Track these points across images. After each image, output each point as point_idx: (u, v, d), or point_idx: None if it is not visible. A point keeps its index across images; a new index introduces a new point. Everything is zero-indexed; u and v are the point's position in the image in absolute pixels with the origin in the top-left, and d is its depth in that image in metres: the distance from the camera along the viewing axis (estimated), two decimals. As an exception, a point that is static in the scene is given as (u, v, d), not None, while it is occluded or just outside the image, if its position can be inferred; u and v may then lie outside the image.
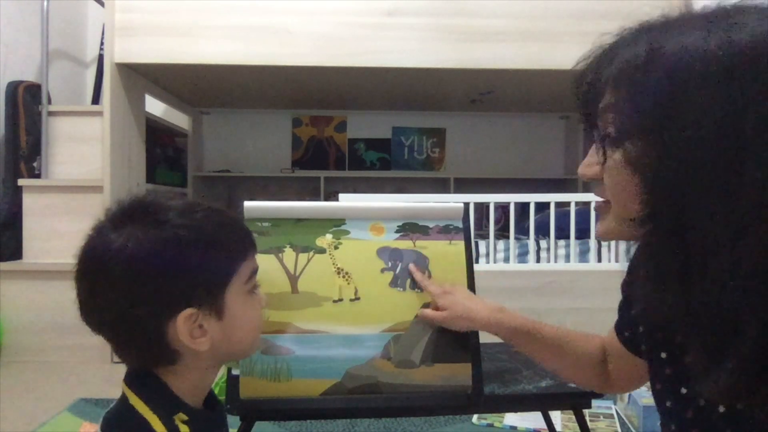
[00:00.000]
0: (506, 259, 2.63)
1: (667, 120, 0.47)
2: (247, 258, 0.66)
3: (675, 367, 0.62)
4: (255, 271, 0.68)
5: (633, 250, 0.63)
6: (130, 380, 0.64)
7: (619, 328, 0.79)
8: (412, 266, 1.02)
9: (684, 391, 0.61)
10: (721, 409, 0.56)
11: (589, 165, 0.58)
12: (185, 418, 0.62)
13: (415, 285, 1.03)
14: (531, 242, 2.63)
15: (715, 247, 0.45)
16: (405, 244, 1.05)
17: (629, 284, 0.75)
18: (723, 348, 0.47)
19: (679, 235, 0.47)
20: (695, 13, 0.52)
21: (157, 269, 0.59)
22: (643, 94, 0.48)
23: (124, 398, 0.63)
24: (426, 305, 1.01)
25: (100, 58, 3.15)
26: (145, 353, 0.63)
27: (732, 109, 0.45)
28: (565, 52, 2.57)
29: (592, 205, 2.54)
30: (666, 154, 0.47)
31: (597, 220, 0.61)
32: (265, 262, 1.00)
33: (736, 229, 0.45)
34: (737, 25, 0.47)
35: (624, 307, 0.78)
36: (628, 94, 0.50)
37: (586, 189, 3.89)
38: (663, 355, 0.64)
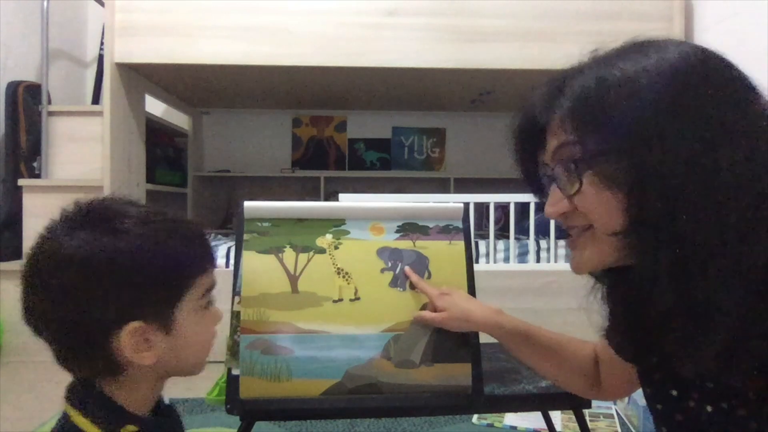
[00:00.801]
0: (506, 259, 2.63)
1: (629, 133, 0.52)
2: (203, 273, 0.64)
3: (665, 371, 0.63)
4: (211, 286, 0.66)
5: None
6: (71, 396, 0.62)
7: (608, 334, 0.78)
8: (408, 269, 1.02)
9: (674, 393, 0.62)
10: (709, 409, 0.57)
11: (554, 203, 0.61)
12: (134, 429, 0.60)
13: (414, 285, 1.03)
14: (531, 242, 2.63)
15: (698, 241, 0.50)
16: (405, 244, 1.05)
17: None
18: (704, 332, 0.51)
19: (665, 235, 0.51)
20: (616, 48, 0.60)
21: (106, 280, 0.57)
22: (601, 116, 0.54)
23: (65, 416, 0.61)
24: (426, 306, 1.01)
25: (100, 58, 3.15)
26: (87, 363, 0.61)
27: (688, 115, 0.51)
28: (565, 52, 2.54)
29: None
30: (639, 164, 0.51)
31: (573, 252, 0.63)
32: (265, 262, 1.00)
33: (717, 222, 0.49)
34: (661, 47, 0.55)
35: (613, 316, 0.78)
36: (590, 122, 0.55)
37: (586, 189, 3.90)
38: (654, 359, 0.65)
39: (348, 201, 1.97)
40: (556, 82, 0.62)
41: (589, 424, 1.13)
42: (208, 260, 0.66)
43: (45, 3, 2.84)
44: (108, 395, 0.62)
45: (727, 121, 0.51)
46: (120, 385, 0.62)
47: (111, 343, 0.58)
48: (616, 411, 1.87)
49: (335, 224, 1.05)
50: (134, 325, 0.58)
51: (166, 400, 0.72)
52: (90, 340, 0.59)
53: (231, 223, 3.94)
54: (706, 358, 0.52)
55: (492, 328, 0.93)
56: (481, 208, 3.33)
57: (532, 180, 0.67)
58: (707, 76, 0.53)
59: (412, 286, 1.02)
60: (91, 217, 0.60)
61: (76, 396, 0.62)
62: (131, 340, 0.59)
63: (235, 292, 0.98)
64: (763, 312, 0.49)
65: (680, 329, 0.53)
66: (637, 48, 0.57)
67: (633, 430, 1.73)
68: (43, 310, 0.60)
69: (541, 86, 0.63)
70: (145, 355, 0.60)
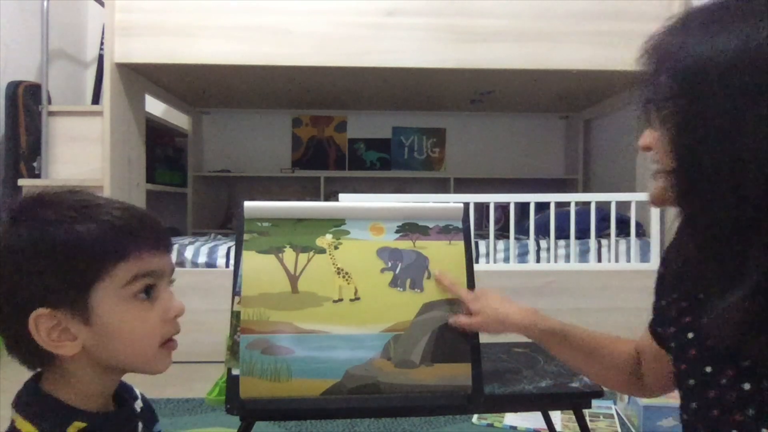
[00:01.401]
0: (506, 259, 2.63)
1: (690, 85, 0.58)
2: (121, 260, 0.60)
3: (700, 348, 0.65)
4: (145, 273, 0.61)
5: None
6: (16, 403, 0.61)
7: (654, 325, 0.81)
8: (438, 272, 1.02)
9: (708, 369, 0.64)
10: (747, 386, 0.59)
11: (643, 136, 0.68)
12: (82, 425, 0.59)
13: (415, 285, 1.03)
14: (531, 242, 2.63)
15: (720, 189, 0.55)
16: (405, 244, 1.05)
17: (664, 262, 0.78)
18: (731, 285, 0.55)
19: (696, 178, 0.57)
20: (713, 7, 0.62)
21: (10, 266, 0.57)
22: (672, 64, 0.60)
23: (11, 424, 0.60)
24: (426, 306, 1.01)
25: (100, 58, 3.15)
26: (21, 351, 0.61)
27: (738, 69, 0.55)
28: (565, 52, 2.57)
29: (592, 205, 2.55)
30: (687, 110, 0.58)
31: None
32: (265, 262, 1.00)
33: (740, 171, 0.54)
34: (755, 22, 0.57)
35: (657, 306, 0.80)
36: (661, 66, 0.62)
37: (586, 189, 3.90)
38: (690, 335, 0.67)
39: (348, 201, 1.97)
40: (660, 34, 0.66)
41: (589, 424, 1.13)
42: (135, 246, 0.61)
43: (45, 3, 2.84)
44: (52, 395, 0.61)
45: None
46: (64, 382, 0.61)
47: (27, 331, 0.58)
48: (616, 411, 1.87)
49: (335, 224, 1.05)
50: (39, 311, 0.57)
51: (138, 396, 0.71)
52: (11, 328, 0.59)
53: (231, 223, 3.94)
54: (729, 321, 0.55)
55: (528, 328, 0.94)
56: (481, 208, 3.33)
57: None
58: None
59: (413, 286, 1.02)
60: (21, 209, 0.60)
61: (20, 402, 0.61)
62: (42, 328, 0.57)
63: (235, 292, 0.98)
64: None
65: (709, 284, 0.58)
66: (728, 18, 0.60)
67: (633, 430, 1.73)
68: None
69: (653, 36, 0.67)
70: (65, 345, 0.58)
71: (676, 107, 0.60)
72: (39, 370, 0.64)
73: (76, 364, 0.61)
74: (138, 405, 0.71)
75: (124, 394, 0.69)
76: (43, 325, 0.57)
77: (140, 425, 0.68)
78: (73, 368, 0.61)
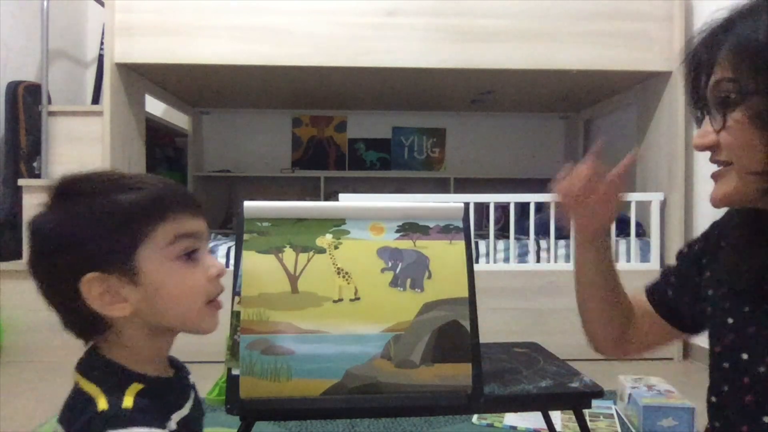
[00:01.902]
0: (506, 259, 2.63)
1: None
2: (164, 221, 0.64)
3: (739, 334, 0.66)
4: (184, 234, 0.65)
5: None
6: (79, 367, 0.65)
7: (660, 289, 0.83)
8: (628, 159, 0.90)
9: (745, 356, 0.64)
10: None
11: (703, 135, 0.63)
12: (140, 387, 0.62)
13: (415, 285, 1.02)
14: (531, 242, 2.63)
15: None
16: (405, 244, 1.05)
17: (706, 239, 0.78)
18: None
19: None
20: None
21: (57, 239, 0.61)
22: (764, 60, 0.56)
23: (75, 386, 0.64)
24: (427, 306, 1.01)
25: (100, 58, 3.15)
26: (75, 321, 0.64)
27: None
28: (565, 52, 2.57)
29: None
30: None
31: (715, 185, 0.65)
32: (265, 262, 1.00)
33: None
34: None
35: (668, 273, 0.82)
36: (750, 62, 0.57)
37: (586, 189, 3.90)
38: (729, 320, 0.67)
39: (348, 201, 1.97)
40: (721, 23, 0.63)
41: (589, 424, 1.13)
42: (171, 208, 0.65)
43: (45, 3, 2.84)
44: (110, 359, 0.64)
45: None
46: (119, 347, 0.65)
47: (82, 299, 0.61)
48: (616, 411, 1.87)
49: (335, 224, 1.05)
50: (90, 275, 0.60)
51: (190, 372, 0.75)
52: (65, 296, 0.62)
53: (231, 223, 3.94)
54: None
55: (606, 232, 0.85)
56: (481, 208, 3.33)
57: (695, 109, 0.69)
58: None
59: (413, 286, 1.02)
60: (61, 187, 0.64)
61: (83, 366, 0.65)
62: (94, 291, 0.61)
63: (235, 292, 0.98)
64: None
65: None
66: None
67: (633, 430, 1.73)
68: (32, 276, 0.64)
69: (709, 26, 0.64)
70: (117, 307, 0.62)
71: None
72: (94, 342, 0.67)
73: (129, 328, 0.64)
74: (191, 379, 0.75)
75: (179, 365, 0.73)
76: (95, 288, 0.61)
77: (193, 394, 0.72)
78: (126, 333, 0.64)
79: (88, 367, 0.64)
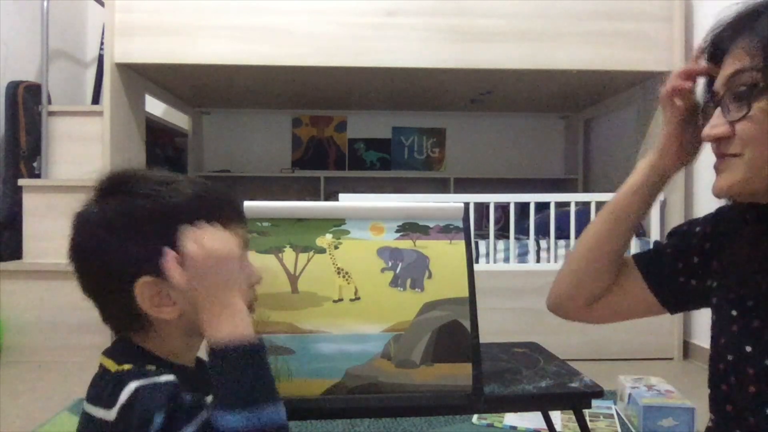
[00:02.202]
0: (506, 259, 2.63)
1: None
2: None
3: (743, 326, 0.67)
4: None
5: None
6: (107, 352, 0.66)
7: (642, 257, 0.83)
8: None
9: (749, 349, 0.65)
10: None
11: (714, 126, 0.63)
12: (168, 377, 0.63)
13: (415, 285, 1.02)
14: (531, 242, 2.63)
15: None
16: (405, 244, 1.05)
17: (715, 224, 0.77)
18: None
19: None
20: None
21: (114, 238, 0.62)
22: None
23: (100, 367, 0.65)
24: (427, 306, 1.01)
25: (100, 58, 3.15)
26: (118, 316, 0.66)
27: None
28: (565, 52, 2.57)
29: (593, 205, 2.55)
30: None
31: (718, 176, 0.65)
32: (265, 262, 1.00)
33: None
34: None
35: (663, 246, 0.81)
36: None
37: (586, 189, 3.90)
38: (734, 312, 0.68)
39: (348, 201, 1.97)
40: (749, 12, 0.62)
41: (589, 424, 1.13)
42: (226, 216, 0.67)
43: (45, 3, 2.84)
44: (142, 346, 0.66)
45: None
46: (153, 341, 0.66)
47: (131, 298, 0.62)
48: (616, 411, 1.87)
49: (335, 224, 1.05)
50: (144, 279, 0.62)
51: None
52: (114, 294, 0.63)
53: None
54: None
55: (664, 183, 0.81)
56: (481, 208, 3.33)
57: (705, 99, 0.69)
58: None
59: (413, 286, 1.02)
60: (110, 183, 0.65)
61: (111, 350, 0.66)
62: (146, 294, 0.62)
63: (235, 292, 0.98)
64: None
65: None
66: None
67: (633, 430, 1.73)
68: (80, 272, 0.65)
69: (732, 13, 0.64)
70: (166, 310, 0.63)
71: None
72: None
73: (170, 329, 0.66)
74: None
75: (203, 360, 0.73)
76: (147, 292, 0.62)
77: None
78: (167, 332, 0.66)
79: (117, 353, 0.65)
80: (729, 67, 0.62)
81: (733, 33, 0.63)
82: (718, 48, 0.65)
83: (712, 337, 0.71)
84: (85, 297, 0.66)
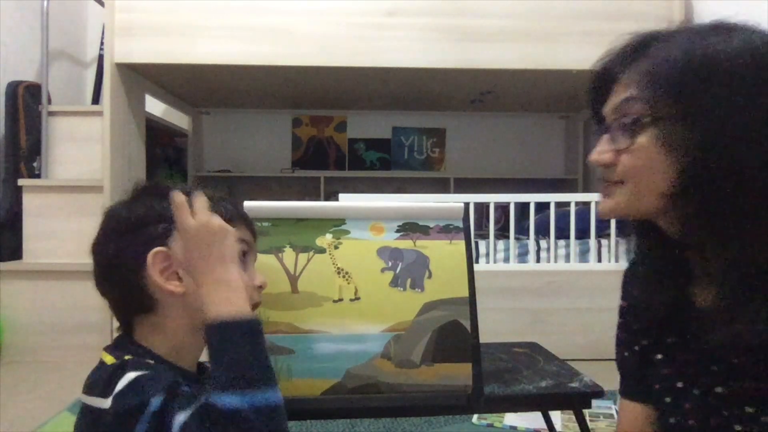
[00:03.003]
0: (506, 259, 2.63)
1: (703, 106, 0.56)
2: (231, 222, 0.69)
3: (670, 366, 0.68)
4: (242, 239, 0.73)
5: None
6: (108, 348, 0.68)
7: (629, 388, 0.78)
8: None
9: (680, 384, 0.66)
10: (719, 389, 0.62)
11: (601, 152, 0.64)
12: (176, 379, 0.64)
13: (415, 285, 1.03)
14: (531, 242, 2.63)
15: (752, 205, 0.54)
16: (405, 244, 1.05)
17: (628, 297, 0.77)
18: (750, 297, 0.55)
19: (716, 204, 0.56)
20: (705, 24, 0.62)
21: (137, 213, 0.69)
22: (682, 87, 0.57)
23: (100, 362, 0.66)
24: (427, 305, 1.01)
25: (100, 58, 3.15)
26: (126, 296, 0.68)
27: (757, 98, 0.54)
28: (565, 52, 2.57)
29: (593, 205, 2.55)
30: (705, 133, 0.55)
31: (603, 198, 0.66)
32: (265, 262, 1.00)
33: None
34: (748, 32, 0.59)
35: (631, 365, 0.77)
36: (667, 86, 0.58)
37: (586, 189, 3.89)
38: (659, 356, 0.69)
39: (348, 201, 1.97)
40: (641, 41, 0.63)
41: (589, 424, 1.13)
42: (234, 218, 0.73)
43: (45, 3, 2.84)
44: (147, 347, 0.67)
45: None
46: (156, 333, 0.68)
47: (144, 272, 0.66)
48: (616, 411, 1.87)
49: (335, 224, 1.05)
50: (158, 249, 0.66)
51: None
52: (126, 270, 0.67)
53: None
54: (743, 329, 0.56)
55: None
56: (481, 208, 3.33)
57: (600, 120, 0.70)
58: None
59: (413, 286, 1.02)
60: (141, 189, 0.73)
61: (112, 346, 0.68)
62: (157, 264, 0.66)
63: (235, 292, 0.98)
64: None
65: (724, 297, 0.57)
66: (726, 29, 0.60)
67: (633, 430, 1.73)
68: (94, 257, 0.70)
69: (624, 41, 0.64)
70: (172, 283, 0.67)
71: (691, 126, 0.56)
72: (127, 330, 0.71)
73: (173, 313, 0.68)
74: None
75: (205, 366, 0.75)
76: (158, 262, 0.66)
77: None
78: (169, 319, 0.68)
79: (117, 348, 0.67)
80: (617, 95, 0.63)
81: (623, 61, 0.63)
82: (608, 74, 0.65)
83: (650, 386, 0.72)
84: (97, 289, 0.70)
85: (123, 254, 0.68)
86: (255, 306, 0.72)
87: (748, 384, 0.59)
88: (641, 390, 0.75)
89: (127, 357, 0.63)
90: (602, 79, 0.66)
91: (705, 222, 0.57)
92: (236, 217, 0.74)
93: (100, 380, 0.61)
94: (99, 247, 0.70)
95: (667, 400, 0.68)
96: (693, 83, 0.56)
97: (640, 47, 0.62)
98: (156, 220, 0.68)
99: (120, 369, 0.60)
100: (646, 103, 0.59)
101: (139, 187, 0.74)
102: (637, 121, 0.59)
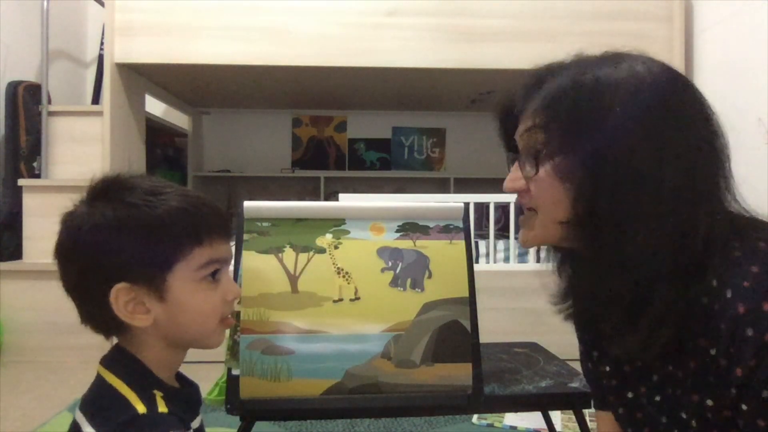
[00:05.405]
0: (506, 259, 2.63)
1: (592, 138, 0.56)
2: (198, 245, 0.65)
3: (618, 377, 0.69)
4: (215, 260, 0.67)
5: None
6: (105, 361, 0.66)
7: (602, 400, 0.81)
8: None
9: (630, 395, 0.67)
10: (657, 398, 0.63)
11: (513, 180, 0.66)
12: (161, 394, 0.64)
13: (415, 285, 1.03)
14: (531, 242, 2.63)
15: (634, 235, 0.55)
16: (405, 244, 1.05)
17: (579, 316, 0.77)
18: (636, 315, 0.57)
19: (608, 228, 0.57)
20: (596, 55, 0.65)
21: (96, 241, 0.63)
22: (571, 118, 0.58)
23: (100, 379, 0.65)
24: (427, 306, 1.01)
25: (100, 58, 3.15)
26: (96, 320, 0.66)
27: (645, 128, 0.56)
28: (565, 52, 2.56)
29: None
30: (593, 166, 0.56)
31: (521, 229, 0.68)
32: (265, 262, 1.00)
33: (652, 219, 0.55)
34: (635, 63, 0.60)
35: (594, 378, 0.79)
36: (558, 120, 0.59)
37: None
38: (607, 368, 0.71)
39: (348, 201, 1.97)
40: (538, 74, 0.66)
41: (589, 424, 1.13)
42: (207, 234, 0.66)
43: (45, 3, 2.84)
44: (136, 357, 0.66)
45: (677, 140, 0.56)
46: (139, 350, 0.66)
47: (107, 302, 0.63)
48: (616, 411, 1.87)
49: (335, 224, 1.05)
50: (120, 285, 0.62)
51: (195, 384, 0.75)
52: (92, 297, 0.64)
53: (231, 223, 3.93)
54: (632, 342, 0.58)
55: None
56: (481, 208, 3.33)
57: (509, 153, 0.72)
58: (667, 96, 0.58)
59: (413, 286, 1.02)
60: (102, 190, 0.66)
61: (109, 360, 0.66)
62: (120, 300, 0.63)
63: (235, 292, 0.98)
64: (680, 303, 0.55)
65: (613, 314, 0.59)
66: (614, 59, 0.61)
67: (633, 430, 1.73)
68: (62, 272, 0.67)
69: (527, 75, 0.67)
70: (139, 317, 0.64)
71: (578, 157, 0.57)
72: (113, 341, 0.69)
73: (146, 336, 0.66)
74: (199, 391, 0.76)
75: (188, 381, 0.74)
76: (122, 297, 0.63)
77: (200, 409, 0.74)
78: (143, 339, 0.66)
79: (113, 361, 0.66)
80: (524, 123, 0.64)
81: (528, 91, 0.65)
82: (513, 106, 0.67)
83: (614, 395, 0.72)
84: (66, 296, 0.67)
85: (85, 280, 0.64)
86: (225, 321, 0.70)
87: (679, 391, 0.60)
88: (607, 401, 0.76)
89: (141, 409, 0.60)
90: (508, 112, 0.68)
91: (593, 248, 0.59)
92: (220, 234, 0.69)
93: (102, 410, 0.61)
94: (61, 270, 0.66)
95: (620, 411, 0.69)
96: (580, 112, 0.58)
97: (541, 80, 0.64)
98: (116, 253, 0.63)
99: (130, 423, 0.59)
100: (544, 132, 0.60)
101: (99, 189, 0.66)
102: (538, 153, 0.61)
